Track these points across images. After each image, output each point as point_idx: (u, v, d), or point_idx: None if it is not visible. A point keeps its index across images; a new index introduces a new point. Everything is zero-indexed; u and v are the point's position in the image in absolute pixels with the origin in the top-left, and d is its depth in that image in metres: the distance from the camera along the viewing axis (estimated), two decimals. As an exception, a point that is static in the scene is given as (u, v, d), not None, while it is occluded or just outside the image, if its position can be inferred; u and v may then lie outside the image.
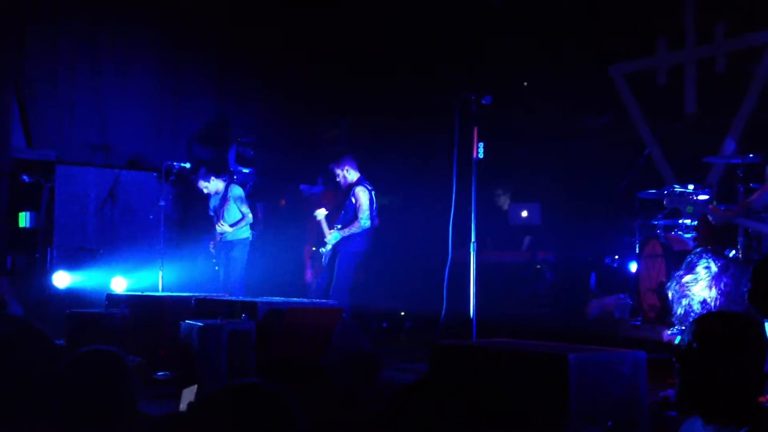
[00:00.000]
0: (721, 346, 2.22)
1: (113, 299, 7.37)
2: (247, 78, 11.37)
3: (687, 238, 6.64)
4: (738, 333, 2.22)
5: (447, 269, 5.62)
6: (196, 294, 7.04)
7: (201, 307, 6.47)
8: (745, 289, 3.73)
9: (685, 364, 2.27)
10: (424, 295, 7.06)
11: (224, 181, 8.65)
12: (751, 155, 6.12)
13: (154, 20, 10.74)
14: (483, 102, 5.61)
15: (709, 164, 7.89)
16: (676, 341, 5.33)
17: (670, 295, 5.61)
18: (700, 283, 5.38)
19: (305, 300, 7.36)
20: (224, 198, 8.53)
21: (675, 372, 2.31)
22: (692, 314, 5.28)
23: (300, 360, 5.16)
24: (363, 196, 7.46)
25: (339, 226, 7.49)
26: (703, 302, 5.37)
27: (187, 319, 5.71)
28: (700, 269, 5.41)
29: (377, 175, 8.01)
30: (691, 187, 6.53)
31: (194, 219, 10.14)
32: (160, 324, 6.65)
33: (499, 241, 8.90)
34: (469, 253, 5.47)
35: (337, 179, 7.71)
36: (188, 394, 3.22)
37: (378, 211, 7.60)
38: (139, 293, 7.53)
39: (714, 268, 5.35)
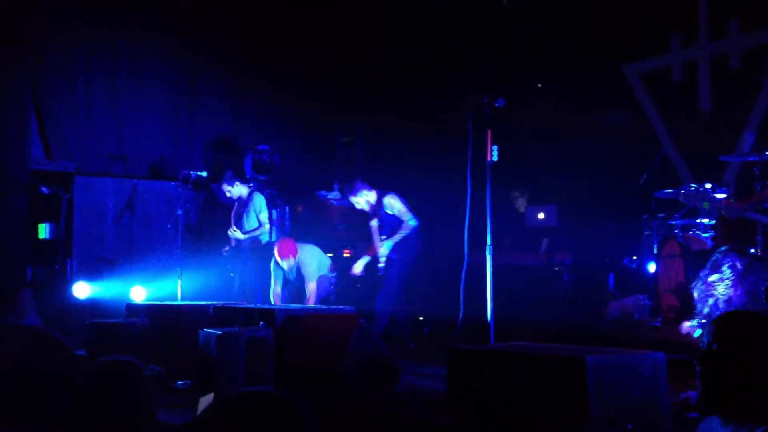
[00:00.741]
0: (739, 346, 2.21)
1: (132, 309, 7.41)
2: (261, 84, 11.42)
3: (705, 237, 6.59)
4: (756, 332, 2.22)
5: (463, 273, 5.60)
6: (215, 302, 7.07)
7: (219, 315, 6.50)
8: (763, 288, 3.69)
9: (706, 365, 2.27)
10: (442, 299, 7.05)
11: (248, 187, 8.77)
12: (767, 153, 6.07)
13: (170, 29, 10.82)
14: (496, 105, 5.60)
15: (725, 162, 7.83)
16: (696, 334, 5.29)
17: (695, 294, 5.55)
18: (726, 282, 5.33)
19: (323, 306, 7.38)
20: (246, 204, 8.63)
21: (697, 375, 2.31)
22: (717, 313, 5.24)
23: (317, 366, 5.17)
24: (395, 201, 7.55)
25: (384, 237, 7.54)
26: (728, 301, 5.32)
27: (206, 328, 5.73)
28: (726, 268, 5.36)
29: (392, 179, 8.01)
30: (708, 185, 6.48)
31: (212, 227, 10.20)
32: (178, 333, 6.68)
33: (516, 243, 8.87)
34: (486, 256, 5.46)
35: (360, 207, 7.75)
36: (205, 403, 3.23)
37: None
38: (158, 302, 7.58)
39: (739, 266, 5.30)
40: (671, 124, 8.54)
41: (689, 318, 5.63)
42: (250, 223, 8.59)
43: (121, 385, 2.70)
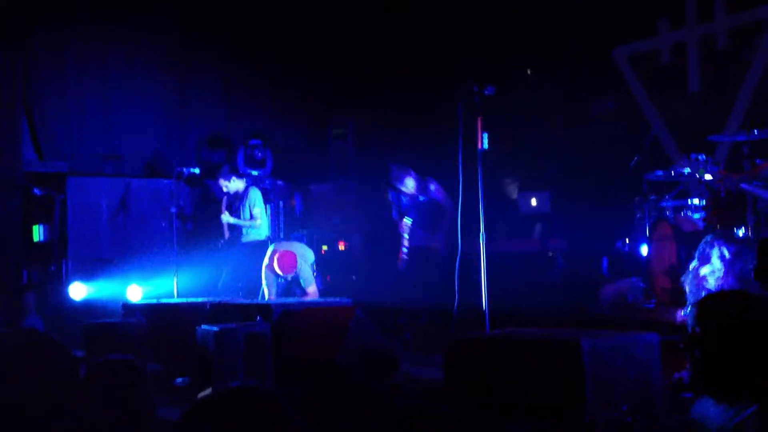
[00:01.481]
0: (721, 327, 2.23)
1: (129, 308, 7.43)
2: (253, 80, 11.42)
3: (696, 218, 6.62)
4: (737, 313, 2.23)
5: (458, 261, 5.62)
6: (211, 299, 7.08)
7: (216, 311, 6.52)
8: (751, 267, 3.71)
9: (692, 348, 2.29)
10: (437, 288, 7.08)
11: (244, 182, 8.83)
12: (755, 132, 6.10)
13: (159, 26, 10.79)
14: (486, 93, 5.60)
15: (716, 142, 7.86)
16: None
17: (687, 289, 5.54)
18: (717, 274, 5.33)
19: (319, 300, 7.40)
20: (242, 198, 8.67)
21: (687, 357, 2.33)
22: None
23: (315, 358, 5.20)
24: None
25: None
26: (721, 290, 5.34)
27: (203, 324, 5.75)
28: (715, 259, 5.37)
29: (384, 170, 8.02)
30: (702, 157, 6.47)
31: (206, 223, 10.20)
32: (176, 330, 6.69)
33: (509, 230, 8.89)
34: (479, 244, 5.48)
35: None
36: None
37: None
38: (154, 301, 7.59)
39: (728, 255, 5.31)
40: (661, 106, 8.56)
41: (683, 304, 5.64)
42: (244, 216, 8.66)
43: (121, 384, 2.72)
